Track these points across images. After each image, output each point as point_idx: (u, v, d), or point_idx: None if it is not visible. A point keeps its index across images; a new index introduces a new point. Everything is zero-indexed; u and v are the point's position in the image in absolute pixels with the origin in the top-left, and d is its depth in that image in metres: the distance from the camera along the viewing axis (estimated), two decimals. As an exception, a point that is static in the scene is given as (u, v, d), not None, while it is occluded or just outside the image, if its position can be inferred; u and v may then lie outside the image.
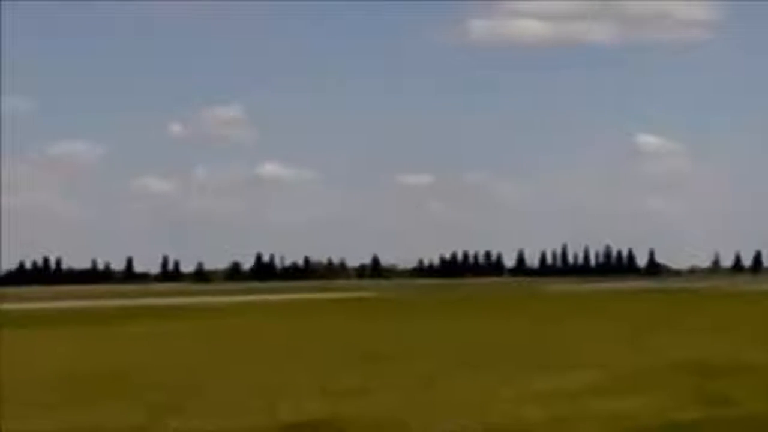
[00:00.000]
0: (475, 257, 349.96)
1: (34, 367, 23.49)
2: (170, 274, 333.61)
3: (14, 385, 19.13)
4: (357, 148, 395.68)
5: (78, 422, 14.36)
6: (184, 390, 17.95)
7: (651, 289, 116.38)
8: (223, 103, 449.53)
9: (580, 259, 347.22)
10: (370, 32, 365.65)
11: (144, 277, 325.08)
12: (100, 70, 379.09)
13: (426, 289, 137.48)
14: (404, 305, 71.06)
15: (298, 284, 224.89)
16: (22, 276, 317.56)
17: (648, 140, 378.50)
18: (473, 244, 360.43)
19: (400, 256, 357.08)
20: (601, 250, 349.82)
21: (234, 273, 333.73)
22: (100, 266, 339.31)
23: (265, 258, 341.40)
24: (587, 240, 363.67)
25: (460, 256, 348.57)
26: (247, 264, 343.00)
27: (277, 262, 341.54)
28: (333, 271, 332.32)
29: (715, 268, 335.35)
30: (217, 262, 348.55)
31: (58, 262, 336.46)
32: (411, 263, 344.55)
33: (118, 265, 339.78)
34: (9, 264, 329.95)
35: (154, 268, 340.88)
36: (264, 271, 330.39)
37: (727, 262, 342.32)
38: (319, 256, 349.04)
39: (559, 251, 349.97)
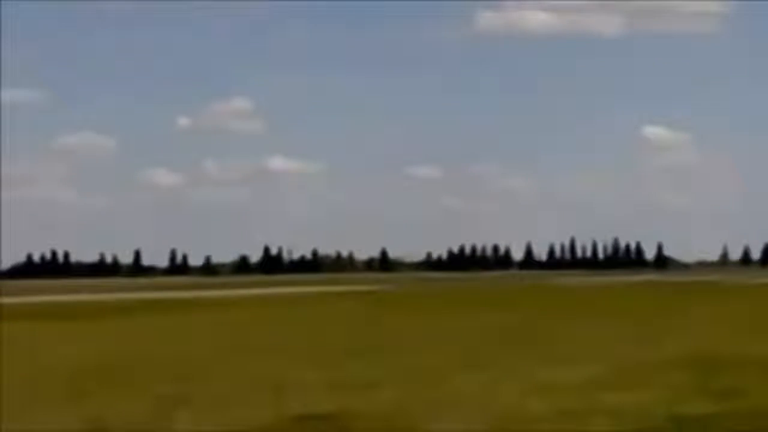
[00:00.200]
0: (483, 250, 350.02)
1: (41, 360, 23.53)
2: (178, 267, 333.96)
3: (20, 379, 19.18)
4: (365, 141, 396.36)
5: (85, 415, 14.39)
6: (192, 383, 17.98)
7: (659, 282, 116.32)
8: (231, 96, 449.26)
9: (588, 253, 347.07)
10: (378, 25, 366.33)
11: (152, 271, 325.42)
12: (109, 63, 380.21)
13: (434, 283, 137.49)
14: (412, 299, 71.09)
15: (305, 277, 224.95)
16: (29, 269, 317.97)
17: (656, 133, 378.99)
18: (481, 237, 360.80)
19: (407, 249, 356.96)
20: (610, 244, 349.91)
21: (242, 266, 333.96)
22: (108, 259, 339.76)
23: (273, 251, 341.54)
24: (595, 233, 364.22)
25: (468, 250, 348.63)
26: (255, 257, 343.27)
27: (285, 256, 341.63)
28: (341, 265, 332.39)
29: (724, 261, 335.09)
30: (224, 256, 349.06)
31: (66, 256, 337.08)
32: (419, 257, 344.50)
33: (125, 259, 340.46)
34: (17, 257, 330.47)
35: (162, 262, 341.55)
36: (272, 264, 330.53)
37: (735, 255, 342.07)
38: (327, 250, 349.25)
39: (567, 244, 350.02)
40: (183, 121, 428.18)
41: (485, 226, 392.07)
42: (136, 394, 16.69)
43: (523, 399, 15.10)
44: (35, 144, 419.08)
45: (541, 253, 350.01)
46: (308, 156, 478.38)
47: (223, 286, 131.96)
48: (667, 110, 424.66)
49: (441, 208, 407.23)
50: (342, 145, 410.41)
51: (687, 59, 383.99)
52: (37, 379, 19.23)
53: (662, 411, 13.71)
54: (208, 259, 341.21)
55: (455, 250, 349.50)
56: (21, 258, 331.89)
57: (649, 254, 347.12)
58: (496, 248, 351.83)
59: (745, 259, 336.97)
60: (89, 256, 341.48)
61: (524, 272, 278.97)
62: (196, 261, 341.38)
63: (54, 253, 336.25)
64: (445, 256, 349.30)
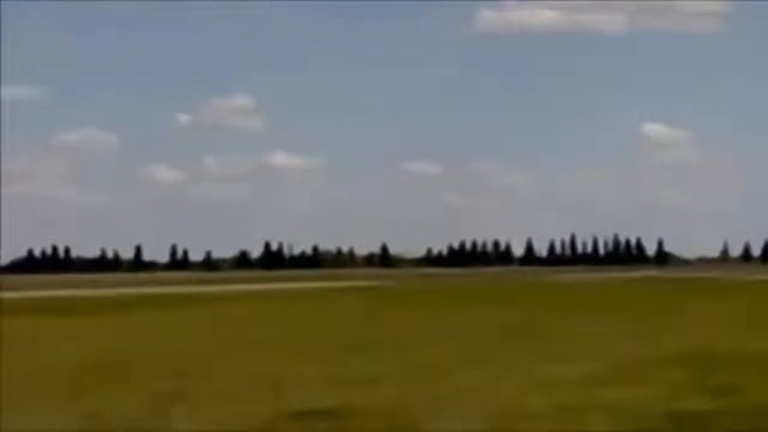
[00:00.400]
0: (484, 246, 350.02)
1: (41, 355, 23.55)
2: (179, 262, 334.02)
3: (19, 374, 19.20)
4: (366, 137, 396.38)
5: (83, 410, 14.41)
6: (190, 378, 18.00)
7: (658, 278, 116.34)
8: (232, 93, 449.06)
9: (589, 249, 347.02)
10: (378, 23, 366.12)
11: (152, 266, 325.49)
12: (110, 61, 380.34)
13: (434, 278, 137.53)
14: (412, 295, 71.12)
15: (306, 273, 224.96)
16: (30, 264, 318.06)
17: (657, 130, 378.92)
18: (482, 233, 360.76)
19: (407, 245, 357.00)
20: (610, 240, 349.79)
21: (242, 262, 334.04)
22: (109, 255, 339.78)
23: (274, 247, 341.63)
24: (596, 229, 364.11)
25: (468, 245, 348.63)
26: (256, 253, 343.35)
27: (286, 251, 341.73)
28: (341, 260, 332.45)
29: (724, 257, 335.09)
30: (225, 251, 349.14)
31: (67, 251, 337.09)
32: (419, 253, 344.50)
33: (126, 254, 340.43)
34: (18, 252, 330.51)
35: (163, 257, 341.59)
36: (272, 259, 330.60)
37: (736, 252, 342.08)
38: (328, 245, 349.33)
39: (567, 240, 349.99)
40: (183, 118, 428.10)
41: (485, 222, 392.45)
42: (134, 390, 16.70)
43: (523, 395, 15.13)
44: (36, 141, 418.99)
45: (541, 249, 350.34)
46: (309, 152, 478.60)
47: (224, 281, 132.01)
48: (667, 108, 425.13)
49: (441, 205, 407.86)
50: (342, 141, 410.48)
51: (688, 58, 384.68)
52: (35, 375, 19.24)
53: (660, 407, 13.74)
54: (208, 254, 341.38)
55: (455, 245, 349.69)
56: (22, 253, 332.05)
57: (650, 250, 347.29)
58: (496, 244, 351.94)
59: (746, 255, 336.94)
60: (90, 252, 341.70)
61: (524, 268, 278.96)
62: (196, 256, 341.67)
63: (55, 249, 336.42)
64: (445, 251, 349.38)
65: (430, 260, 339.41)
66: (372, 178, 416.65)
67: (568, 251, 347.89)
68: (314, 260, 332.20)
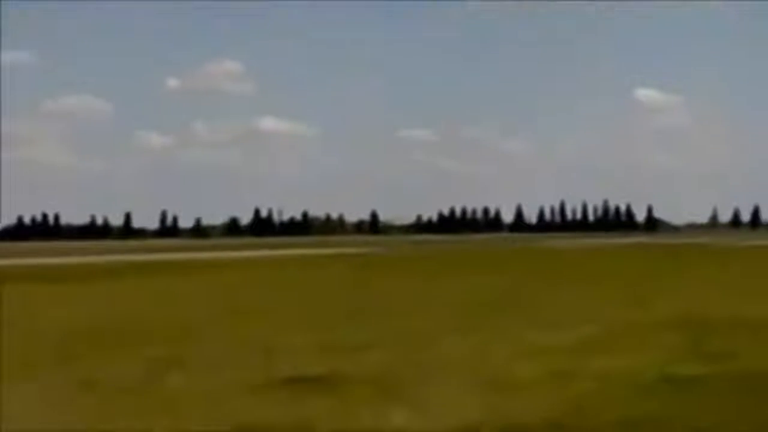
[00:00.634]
0: (473, 213, 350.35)
1: (32, 323, 23.49)
2: (168, 229, 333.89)
3: (11, 342, 19.13)
4: (356, 103, 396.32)
5: (76, 377, 14.37)
6: (183, 345, 17.96)
7: (649, 244, 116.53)
8: (222, 58, 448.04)
9: (579, 215, 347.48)
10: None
11: (142, 233, 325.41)
12: (99, 26, 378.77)
13: (424, 245, 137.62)
14: (401, 261, 71.14)
15: (296, 240, 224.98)
16: (20, 231, 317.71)
17: (648, 95, 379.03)
18: (471, 200, 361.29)
19: (396, 212, 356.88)
20: (600, 206, 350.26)
21: (232, 228, 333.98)
22: (99, 222, 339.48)
23: (264, 213, 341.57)
24: (585, 195, 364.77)
25: (458, 212, 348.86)
26: (246, 219, 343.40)
27: (275, 218, 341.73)
28: (331, 227, 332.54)
29: (714, 223, 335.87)
30: (215, 218, 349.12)
31: (57, 218, 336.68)
32: (408, 219, 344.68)
33: (116, 221, 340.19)
34: (8, 219, 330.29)
35: (153, 224, 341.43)
36: (262, 226, 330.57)
37: (725, 217, 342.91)
38: (318, 212, 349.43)
39: (557, 207, 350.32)
40: (173, 83, 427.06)
41: (475, 188, 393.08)
42: (127, 356, 16.66)
43: (513, 362, 15.09)
44: (25, 107, 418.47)
45: (531, 216, 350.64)
46: (299, 117, 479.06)
47: (213, 248, 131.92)
48: (658, 73, 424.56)
49: (431, 171, 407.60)
50: (333, 106, 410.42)
51: (681, 23, 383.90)
52: (27, 341, 19.18)
53: (653, 373, 13.72)
54: (198, 221, 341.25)
55: (445, 212, 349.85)
56: (12, 220, 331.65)
57: (639, 216, 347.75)
58: (486, 211, 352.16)
59: (735, 221, 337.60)
60: (80, 219, 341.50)
61: (514, 235, 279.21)
62: (186, 223, 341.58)
63: (45, 216, 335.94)
64: (435, 218, 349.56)
65: (420, 227, 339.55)
66: (362, 144, 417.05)
67: (557, 218, 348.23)
68: (304, 227, 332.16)
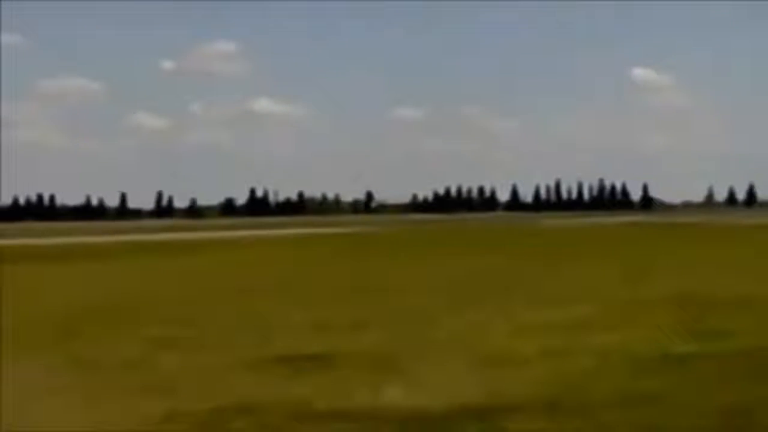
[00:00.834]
0: (469, 192, 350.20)
1: (27, 302, 23.48)
2: (164, 210, 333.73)
3: (8, 321, 19.13)
4: (351, 83, 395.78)
5: (71, 356, 14.37)
6: (179, 324, 17.97)
7: (644, 222, 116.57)
8: (216, 39, 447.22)
9: (574, 194, 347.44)
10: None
11: (137, 214, 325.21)
12: (92, 7, 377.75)
13: (419, 224, 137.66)
14: (397, 241, 71.15)
15: (291, 219, 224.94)
16: (15, 212, 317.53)
17: (643, 75, 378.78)
18: (467, 179, 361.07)
19: (386, 193, 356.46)
20: (595, 185, 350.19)
21: (228, 209, 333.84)
22: (94, 202, 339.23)
23: (259, 193, 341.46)
24: (581, 174, 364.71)
25: (453, 191, 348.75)
26: (241, 199, 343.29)
27: (271, 198, 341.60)
28: (327, 207, 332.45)
29: (709, 202, 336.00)
30: (210, 198, 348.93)
31: (52, 198, 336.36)
32: (403, 199, 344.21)
33: (111, 201, 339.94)
34: (3, 200, 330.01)
35: (148, 204, 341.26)
36: (258, 206, 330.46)
37: (720, 196, 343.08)
38: (313, 192, 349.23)
39: (552, 186, 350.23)
40: (167, 65, 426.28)
41: (471, 168, 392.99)
42: (124, 335, 16.67)
43: (510, 340, 15.10)
44: (21, 88, 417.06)
45: (526, 195, 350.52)
46: (294, 98, 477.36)
47: (209, 228, 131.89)
48: (654, 53, 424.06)
49: (426, 151, 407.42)
50: (327, 87, 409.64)
51: (675, 2, 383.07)
52: (23, 321, 19.17)
53: (650, 351, 13.73)
54: (193, 201, 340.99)
55: (441, 191, 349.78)
56: (7, 200, 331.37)
57: (635, 195, 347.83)
58: (481, 190, 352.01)
59: (731, 199, 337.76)
60: (75, 199, 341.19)
61: (510, 214, 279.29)
62: (181, 204, 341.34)
63: (40, 197, 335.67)
64: (430, 197, 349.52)
65: (416, 206, 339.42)
66: (356, 124, 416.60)
67: (553, 197, 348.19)
68: (299, 207, 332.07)
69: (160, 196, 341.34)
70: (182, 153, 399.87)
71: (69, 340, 16.26)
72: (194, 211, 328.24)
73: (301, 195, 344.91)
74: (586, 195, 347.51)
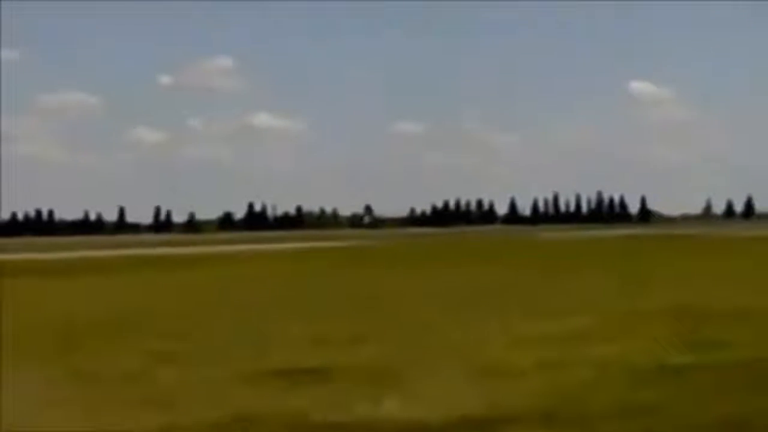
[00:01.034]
0: (467, 205, 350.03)
1: (27, 316, 23.49)
2: (162, 224, 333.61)
3: (7, 334, 19.14)
4: (350, 97, 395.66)
5: (71, 369, 14.40)
6: (177, 338, 17.99)
7: (642, 235, 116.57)
8: (214, 54, 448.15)
9: (572, 207, 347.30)
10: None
11: (136, 228, 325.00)
12: (91, 23, 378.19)
13: (417, 238, 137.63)
14: (395, 254, 71.16)
15: (290, 233, 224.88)
16: (14, 227, 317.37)
17: (641, 87, 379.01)
18: (465, 193, 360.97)
19: (387, 206, 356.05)
20: (593, 198, 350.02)
21: (226, 223, 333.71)
22: (92, 217, 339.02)
23: (257, 207, 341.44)
24: (579, 187, 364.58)
25: (452, 205, 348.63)
26: (240, 214, 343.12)
27: (269, 212, 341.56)
28: (325, 221, 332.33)
29: (707, 214, 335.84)
30: (209, 212, 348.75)
31: (50, 213, 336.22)
32: (401, 213, 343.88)
33: (110, 216, 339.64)
34: (1, 215, 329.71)
35: (146, 219, 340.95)
36: (256, 220, 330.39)
37: (718, 208, 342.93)
38: (311, 206, 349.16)
39: (550, 199, 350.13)
40: (165, 80, 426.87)
41: (469, 181, 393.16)
42: (123, 349, 16.69)
43: (508, 352, 15.12)
44: (18, 103, 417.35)
45: (525, 208, 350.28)
46: (292, 113, 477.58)
47: (206, 242, 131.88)
48: (653, 65, 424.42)
49: (424, 164, 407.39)
50: (326, 101, 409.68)
51: (675, 15, 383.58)
52: (24, 334, 19.18)
53: (647, 362, 13.75)
54: (192, 216, 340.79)
55: (439, 205, 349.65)
56: (5, 216, 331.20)
57: (633, 208, 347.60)
58: (480, 203, 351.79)
59: (729, 212, 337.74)
60: (73, 214, 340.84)
61: (508, 227, 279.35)
62: (180, 218, 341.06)
63: (38, 211, 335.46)
64: (428, 211, 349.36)
65: (414, 220, 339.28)
66: (354, 139, 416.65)
67: (551, 210, 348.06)
68: (298, 221, 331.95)
69: (158, 210, 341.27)
70: (181, 167, 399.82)
71: (69, 352, 16.29)
72: (192, 225, 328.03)
73: (299, 209, 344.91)
74: (584, 208, 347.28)
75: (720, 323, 18.22)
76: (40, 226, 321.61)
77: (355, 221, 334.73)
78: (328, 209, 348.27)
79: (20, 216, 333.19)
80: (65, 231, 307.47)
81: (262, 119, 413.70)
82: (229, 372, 13.84)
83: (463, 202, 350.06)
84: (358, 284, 33.27)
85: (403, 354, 15.22)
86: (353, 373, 13.56)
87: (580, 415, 10.55)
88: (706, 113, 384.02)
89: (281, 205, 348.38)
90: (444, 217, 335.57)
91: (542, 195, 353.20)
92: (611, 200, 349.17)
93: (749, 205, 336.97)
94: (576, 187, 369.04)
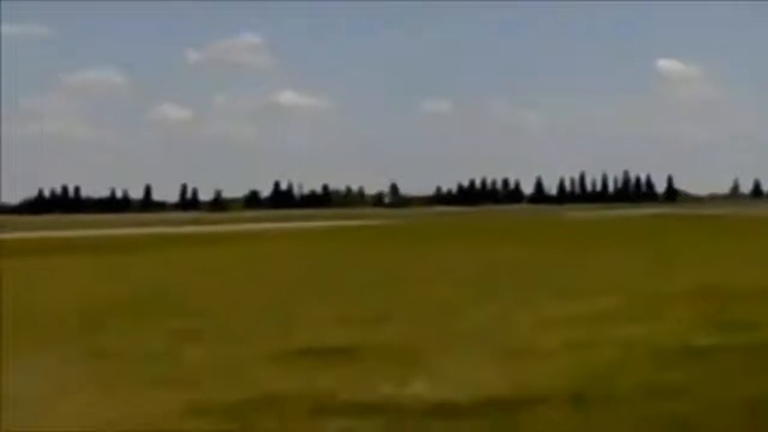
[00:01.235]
0: (493, 184, 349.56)
1: (53, 294, 23.56)
2: (188, 202, 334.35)
3: (32, 312, 19.21)
4: (376, 75, 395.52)
5: (96, 348, 14.42)
6: (203, 317, 18.00)
7: (668, 215, 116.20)
8: (241, 31, 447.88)
9: (599, 186, 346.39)
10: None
11: (162, 206, 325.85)
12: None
13: (443, 216, 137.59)
14: (422, 233, 71.14)
15: (316, 212, 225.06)
16: (41, 204, 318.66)
17: (669, 66, 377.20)
18: (491, 172, 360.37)
19: (410, 186, 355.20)
20: (620, 177, 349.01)
21: (252, 201, 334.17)
22: (119, 194, 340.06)
23: (284, 186, 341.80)
24: (605, 166, 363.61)
25: (478, 184, 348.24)
26: (266, 192, 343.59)
27: (296, 190, 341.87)
28: (351, 199, 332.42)
29: (735, 194, 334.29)
30: (235, 190, 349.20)
31: (77, 191, 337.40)
32: (427, 191, 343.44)
33: (136, 194, 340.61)
34: (28, 192, 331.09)
35: (173, 197, 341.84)
36: (282, 199, 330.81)
37: (746, 188, 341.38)
38: (338, 184, 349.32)
39: (577, 178, 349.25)
40: (192, 56, 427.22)
41: (495, 160, 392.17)
42: (148, 328, 16.70)
43: (534, 332, 15.07)
44: (45, 80, 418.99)
45: (551, 187, 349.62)
46: (319, 90, 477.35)
47: (233, 220, 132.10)
48: (680, 44, 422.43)
49: (450, 143, 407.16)
50: (352, 79, 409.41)
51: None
52: (48, 312, 19.23)
53: (674, 343, 13.68)
54: (218, 193, 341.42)
55: (465, 184, 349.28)
56: (33, 193, 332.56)
57: (660, 187, 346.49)
58: (506, 182, 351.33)
59: (756, 191, 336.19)
60: (100, 192, 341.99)
61: (534, 206, 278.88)
62: (206, 196, 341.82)
63: (65, 189, 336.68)
64: (454, 190, 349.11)
65: (440, 199, 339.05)
66: (380, 117, 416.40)
67: (577, 189, 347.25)
68: (324, 199, 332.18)
69: (184, 188, 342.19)
70: (207, 145, 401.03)
71: (94, 331, 16.31)
72: (219, 203, 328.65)
73: (325, 187, 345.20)
74: (610, 187, 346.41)
75: (747, 304, 18.12)
76: (67, 203, 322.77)
77: (377, 201, 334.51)
78: (354, 188, 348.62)
79: (47, 193, 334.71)
80: (92, 209, 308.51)
81: (288, 97, 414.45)
82: (255, 351, 13.83)
83: (489, 181, 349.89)
84: (384, 263, 33.25)
85: (429, 334, 15.18)
86: (380, 352, 13.53)
87: (607, 395, 10.50)
88: (735, 91, 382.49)
89: (307, 183, 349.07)
90: (470, 196, 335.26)
91: (569, 174, 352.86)
92: (638, 179, 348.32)
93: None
94: (602, 167, 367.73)
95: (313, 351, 13.68)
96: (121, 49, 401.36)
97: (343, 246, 49.92)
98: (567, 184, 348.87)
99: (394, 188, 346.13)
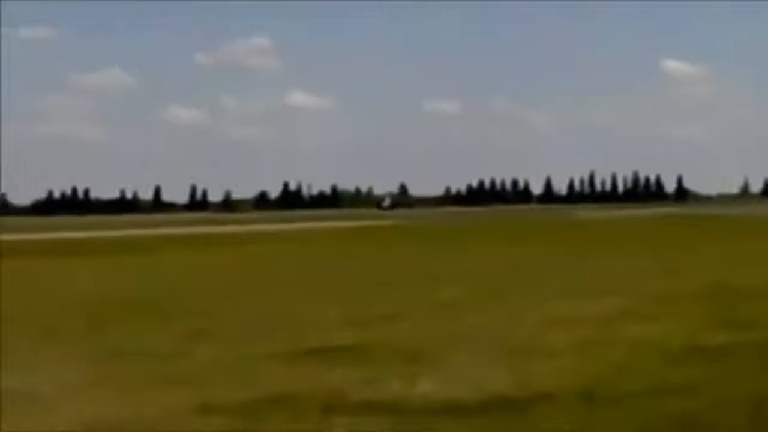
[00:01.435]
0: (502, 184, 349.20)
1: (62, 295, 23.62)
2: (198, 203, 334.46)
3: (42, 312, 19.26)
4: (384, 76, 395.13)
5: (105, 348, 14.46)
6: (212, 317, 18.04)
7: (678, 214, 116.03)
8: (249, 34, 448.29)
9: (608, 186, 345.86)
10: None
11: (171, 207, 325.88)
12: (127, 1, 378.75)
13: (452, 217, 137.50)
14: (431, 233, 71.12)
15: (325, 212, 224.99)
16: (50, 205, 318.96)
17: (676, 66, 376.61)
18: (500, 172, 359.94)
19: (418, 187, 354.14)
20: (629, 177, 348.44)
21: (261, 202, 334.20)
22: (128, 196, 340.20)
23: (293, 186, 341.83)
24: (615, 166, 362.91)
25: (487, 184, 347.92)
26: (275, 193, 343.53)
27: (305, 191, 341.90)
28: (360, 200, 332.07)
29: (744, 193, 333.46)
30: (244, 191, 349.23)
31: (86, 192, 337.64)
32: (436, 191, 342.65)
33: (145, 195, 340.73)
34: (38, 193, 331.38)
35: (182, 198, 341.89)
36: (291, 199, 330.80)
37: (756, 187, 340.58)
38: (346, 185, 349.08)
39: (586, 178, 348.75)
40: (201, 58, 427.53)
41: (504, 160, 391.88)
42: (156, 328, 16.74)
43: (543, 331, 15.08)
44: (54, 81, 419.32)
45: (560, 187, 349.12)
46: (327, 91, 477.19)
47: (242, 221, 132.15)
48: (688, 43, 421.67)
49: (459, 143, 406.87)
50: (360, 80, 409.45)
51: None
52: (57, 312, 19.28)
53: (682, 342, 13.68)
54: (228, 194, 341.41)
55: (474, 184, 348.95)
56: (42, 194, 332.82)
57: (669, 187, 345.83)
58: (515, 182, 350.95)
59: (766, 190, 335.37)
60: (109, 193, 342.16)
61: (544, 206, 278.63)
62: (215, 197, 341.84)
63: (74, 190, 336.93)
64: (463, 190, 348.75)
65: (449, 199, 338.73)
66: (389, 117, 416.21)
67: (587, 189, 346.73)
68: (333, 200, 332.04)
69: (194, 189, 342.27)
70: (216, 146, 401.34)
71: (103, 331, 16.35)
72: (228, 204, 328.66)
73: (334, 188, 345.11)
74: (620, 187, 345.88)
75: (756, 303, 18.12)
76: (77, 204, 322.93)
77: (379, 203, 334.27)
78: (363, 189, 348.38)
79: (56, 195, 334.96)
80: (101, 210, 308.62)
81: (297, 98, 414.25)
82: (265, 350, 13.86)
83: (498, 181, 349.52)
84: (393, 263, 33.28)
85: (437, 333, 15.21)
86: (388, 352, 13.55)
87: (615, 394, 10.52)
88: (743, 91, 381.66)
89: (316, 183, 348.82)
90: (479, 196, 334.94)
91: (578, 174, 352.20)
92: (647, 179, 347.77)
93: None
94: (612, 166, 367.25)
95: (323, 351, 13.71)
96: (131, 51, 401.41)
97: (353, 247, 49.93)
98: (576, 184, 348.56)
99: (403, 188, 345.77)
